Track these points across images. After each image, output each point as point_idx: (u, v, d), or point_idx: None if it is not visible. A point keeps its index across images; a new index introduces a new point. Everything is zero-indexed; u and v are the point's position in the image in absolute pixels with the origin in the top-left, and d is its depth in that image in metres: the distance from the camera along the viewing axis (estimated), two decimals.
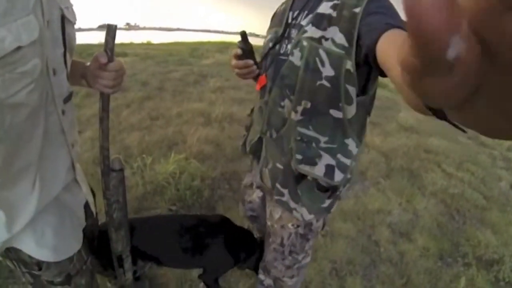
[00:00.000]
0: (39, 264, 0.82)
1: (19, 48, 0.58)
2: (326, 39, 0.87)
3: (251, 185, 1.41)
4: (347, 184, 1.07)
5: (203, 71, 7.74)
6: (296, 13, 1.01)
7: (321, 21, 0.90)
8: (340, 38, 0.85)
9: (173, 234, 1.39)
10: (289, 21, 1.02)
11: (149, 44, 18.84)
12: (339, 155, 0.98)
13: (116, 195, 0.96)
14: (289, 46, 0.97)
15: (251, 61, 0.99)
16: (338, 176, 1.00)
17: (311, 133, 0.97)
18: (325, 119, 0.94)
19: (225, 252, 1.46)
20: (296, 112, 0.96)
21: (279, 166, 1.08)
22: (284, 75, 0.97)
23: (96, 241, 1.19)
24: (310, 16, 0.94)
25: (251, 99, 5.38)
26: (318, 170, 0.99)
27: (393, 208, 2.80)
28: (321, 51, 0.88)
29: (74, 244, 0.90)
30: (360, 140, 1.01)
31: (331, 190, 1.04)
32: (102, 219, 1.14)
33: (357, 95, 0.90)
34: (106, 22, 0.80)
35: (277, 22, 1.10)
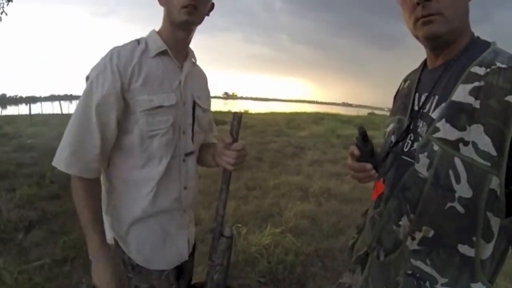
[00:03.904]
0: (134, 267, 1.10)
1: (160, 106, 1.01)
2: (466, 144, 0.69)
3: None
4: None
5: (300, 143, 8.21)
6: (424, 97, 0.85)
7: (458, 116, 0.71)
8: (486, 144, 0.66)
9: None
10: (415, 108, 0.87)
11: (246, 113, 20.39)
12: None
13: (222, 259, 1.12)
14: (415, 145, 0.81)
15: (369, 165, 0.84)
16: None
17: (427, 269, 0.78)
18: (450, 255, 0.75)
19: None
20: (413, 239, 0.79)
21: None
22: (405, 185, 0.81)
23: None
24: (443, 105, 0.76)
25: (349, 173, 5.24)
26: None
27: None
28: (457, 161, 0.69)
29: (165, 263, 1.14)
30: (492, 282, 0.77)
31: None
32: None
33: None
34: None
35: (400, 107, 0.94)
